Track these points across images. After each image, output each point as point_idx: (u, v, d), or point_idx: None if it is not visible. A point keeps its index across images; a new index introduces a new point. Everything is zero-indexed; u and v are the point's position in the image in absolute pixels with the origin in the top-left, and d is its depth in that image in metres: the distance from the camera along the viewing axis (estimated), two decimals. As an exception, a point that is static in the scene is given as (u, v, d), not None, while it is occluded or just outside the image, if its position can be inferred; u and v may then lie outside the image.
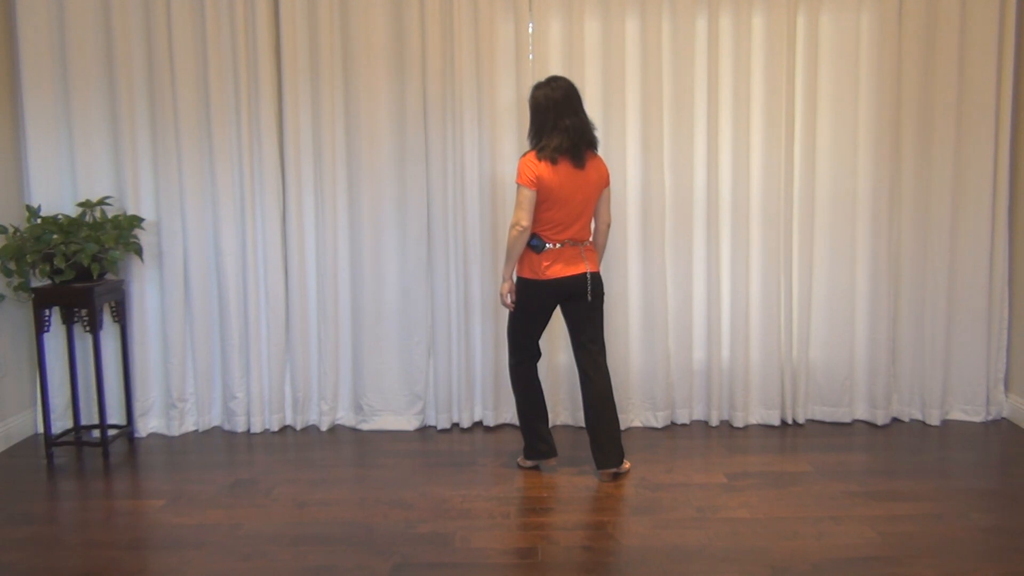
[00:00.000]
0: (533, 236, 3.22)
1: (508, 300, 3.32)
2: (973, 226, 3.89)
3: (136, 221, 3.73)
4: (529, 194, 3.13)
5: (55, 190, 3.83)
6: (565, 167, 3.15)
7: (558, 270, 3.21)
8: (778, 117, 3.82)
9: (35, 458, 3.69)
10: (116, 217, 3.70)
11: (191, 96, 3.79)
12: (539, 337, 3.38)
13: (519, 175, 3.15)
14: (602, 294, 3.32)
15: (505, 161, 3.85)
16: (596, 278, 3.28)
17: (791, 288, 3.93)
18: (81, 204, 3.70)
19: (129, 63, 3.76)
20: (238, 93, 3.79)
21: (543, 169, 3.13)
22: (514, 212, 3.16)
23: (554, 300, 3.29)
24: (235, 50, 3.77)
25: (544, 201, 3.16)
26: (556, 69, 3.77)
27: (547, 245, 3.21)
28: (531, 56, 3.81)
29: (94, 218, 3.71)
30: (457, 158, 3.84)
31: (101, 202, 3.72)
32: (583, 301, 3.25)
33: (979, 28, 3.76)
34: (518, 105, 3.79)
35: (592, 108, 3.80)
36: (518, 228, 3.14)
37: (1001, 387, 4.02)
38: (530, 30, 3.80)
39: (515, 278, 3.32)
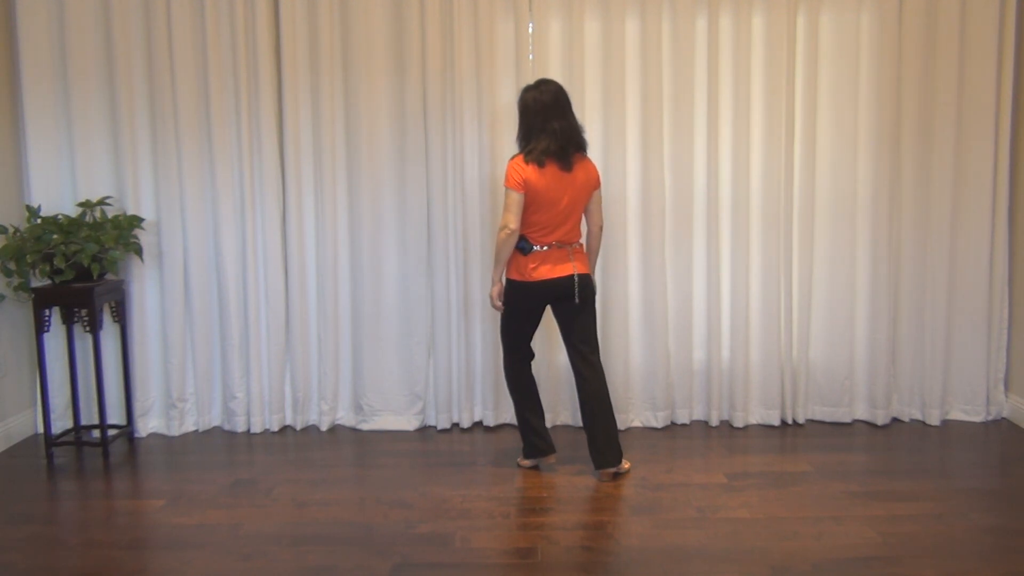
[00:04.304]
0: (521, 238, 3.22)
1: (497, 303, 3.32)
2: (973, 226, 3.89)
3: (136, 221, 3.73)
4: (516, 197, 3.14)
5: (55, 190, 3.83)
6: (552, 170, 3.16)
7: (545, 272, 3.21)
8: (778, 117, 3.82)
9: (35, 458, 3.69)
10: (116, 217, 3.70)
11: (191, 96, 3.79)
12: (530, 338, 3.38)
13: (507, 178, 3.17)
14: (592, 295, 3.32)
15: (505, 161, 3.82)
16: (584, 279, 3.28)
17: (791, 288, 3.93)
18: (81, 204, 3.70)
19: (129, 63, 3.76)
20: (238, 93, 3.79)
21: (530, 172, 3.14)
22: (502, 215, 3.17)
23: (542, 302, 3.29)
24: (235, 50, 3.77)
25: (531, 204, 3.16)
26: (556, 69, 3.77)
27: (534, 247, 3.21)
28: (531, 56, 3.81)
29: (94, 218, 3.71)
30: (457, 158, 3.84)
31: (101, 202, 3.72)
32: (571, 302, 3.25)
33: (979, 28, 3.76)
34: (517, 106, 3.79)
35: (592, 108, 3.81)
36: (506, 231, 3.15)
37: (1001, 387, 4.02)
38: (530, 30, 3.80)
39: (504, 280, 3.32)
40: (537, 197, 3.16)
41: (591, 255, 3.41)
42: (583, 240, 3.38)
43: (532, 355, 3.42)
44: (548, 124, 3.16)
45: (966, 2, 3.75)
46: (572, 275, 3.23)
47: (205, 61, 3.76)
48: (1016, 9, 3.77)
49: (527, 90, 3.25)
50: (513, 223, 3.15)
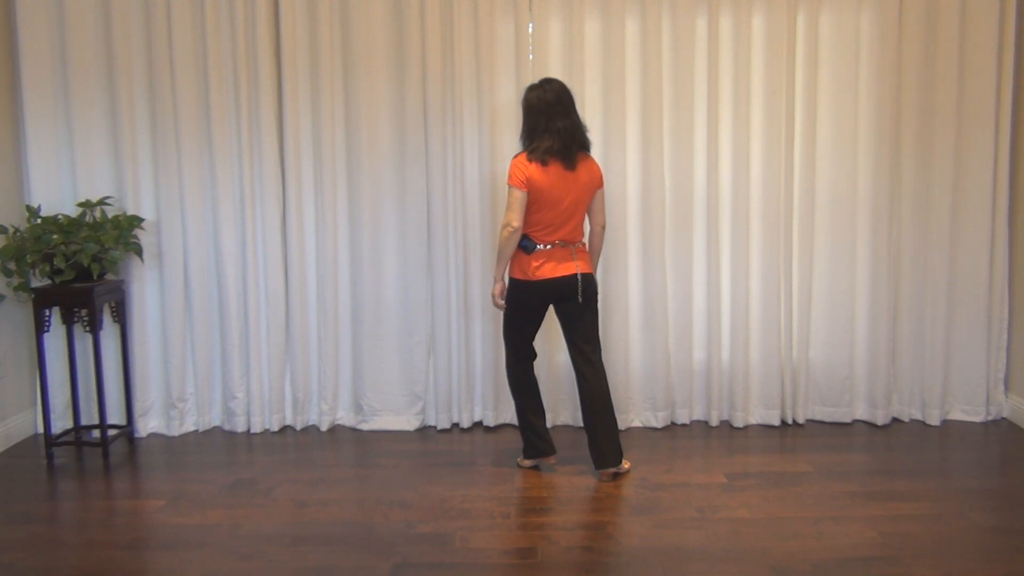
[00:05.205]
0: (524, 237, 3.22)
1: (499, 301, 3.32)
2: (973, 226, 3.89)
3: (136, 221, 3.73)
4: (520, 195, 3.14)
5: (55, 190, 3.83)
6: (555, 168, 3.16)
7: (548, 271, 3.21)
8: (778, 117, 3.82)
9: (35, 458, 3.69)
10: (116, 217, 3.70)
11: (191, 96, 3.79)
12: (533, 338, 3.38)
13: (510, 176, 3.17)
14: (595, 294, 3.32)
15: (505, 161, 3.83)
16: (587, 279, 3.28)
17: (791, 288, 3.93)
18: (81, 204, 3.70)
19: (129, 63, 3.76)
20: (238, 93, 3.79)
21: (533, 170, 3.14)
22: (505, 213, 3.18)
23: (545, 301, 3.29)
24: (235, 50, 3.77)
25: (534, 202, 3.17)
26: (556, 69, 3.77)
27: (538, 246, 3.22)
28: (531, 56, 3.81)
29: (94, 218, 3.71)
30: (457, 158, 3.84)
31: (101, 202, 3.72)
32: (574, 302, 3.26)
33: (979, 28, 3.76)
34: (518, 105, 3.76)
35: (592, 108, 3.81)
36: (509, 229, 3.16)
37: (1001, 387, 4.02)
38: (530, 30, 3.80)
39: (507, 279, 3.33)
40: (540, 196, 3.16)
41: (593, 254, 3.41)
42: (585, 240, 3.38)
43: (535, 355, 3.42)
44: (552, 123, 3.16)
45: (966, 2, 3.75)
46: (575, 274, 3.23)
47: (205, 61, 3.76)
48: (1016, 9, 3.77)
49: (531, 89, 3.25)
50: (516, 221, 3.15)
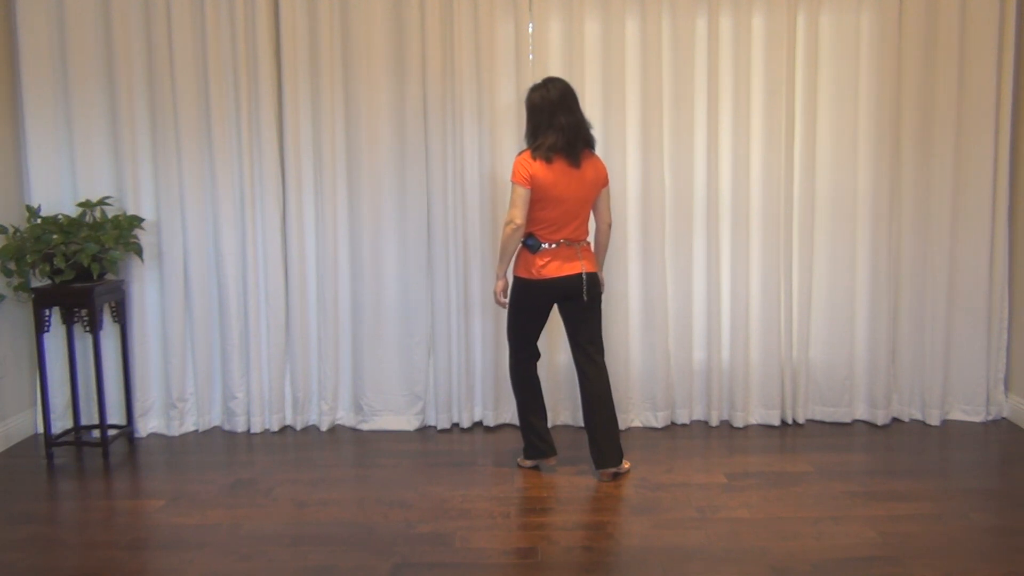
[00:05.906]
0: (529, 236, 3.22)
1: (501, 299, 3.32)
2: (973, 226, 3.89)
3: (136, 221, 3.73)
4: (523, 192, 3.13)
5: (55, 190, 3.83)
6: (560, 166, 3.16)
7: (553, 270, 3.21)
8: (778, 117, 3.82)
9: (35, 458, 3.69)
10: (116, 217, 3.70)
11: (191, 96, 3.79)
12: (537, 337, 3.38)
13: (513, 173, 3.16)
14: (599, 294, 3.32)
15: (505, 161, 3.85)
16: (592, 278, 3.27)
17: (791, 288, 3.93)
18: (81, 204, 3.70)
19: (129, 63, 3.76)
20: (238, 93, 3.79)
21: (537, 167, 3.13)
22: (508, 210, 3.17)
23: (550, 300, 3.29)
24: (235, 50, 3.77)
25: (539, 200, 3.16)
26: (556, 69, 3.77)
27: (543, 245, 3.21)
28: (531, 56, 3.81)
29: (94, 218, 3.71)
30: (457, 158, 3.84)
31: (101, 202, 3.72)
32: (579, 301, 3.25)
33: (979, 28, 3.76)
34: (518, 105, 3.78)
35: (592, 108, 3.81)
36: (512, 226, 3.15)
37: (1001, 387, 4.02)
38: (530, 30, 3.80)
39: (510, 277, 3.32)
40: (545, 193, 3.15)
41: (600, 253, 3.41)
42: (591, 238, 3.38)
43: (538, 355, 3.41)
44: (556, 120, 3.15)
45: (966, 2, 3.75)
46: (581, 273, 3.23)
47: (205, 61, 3.76)
48: (1016, 9, 3.77)
49: (534, 89, 3.24)
50: (519, 218, 3.14)
